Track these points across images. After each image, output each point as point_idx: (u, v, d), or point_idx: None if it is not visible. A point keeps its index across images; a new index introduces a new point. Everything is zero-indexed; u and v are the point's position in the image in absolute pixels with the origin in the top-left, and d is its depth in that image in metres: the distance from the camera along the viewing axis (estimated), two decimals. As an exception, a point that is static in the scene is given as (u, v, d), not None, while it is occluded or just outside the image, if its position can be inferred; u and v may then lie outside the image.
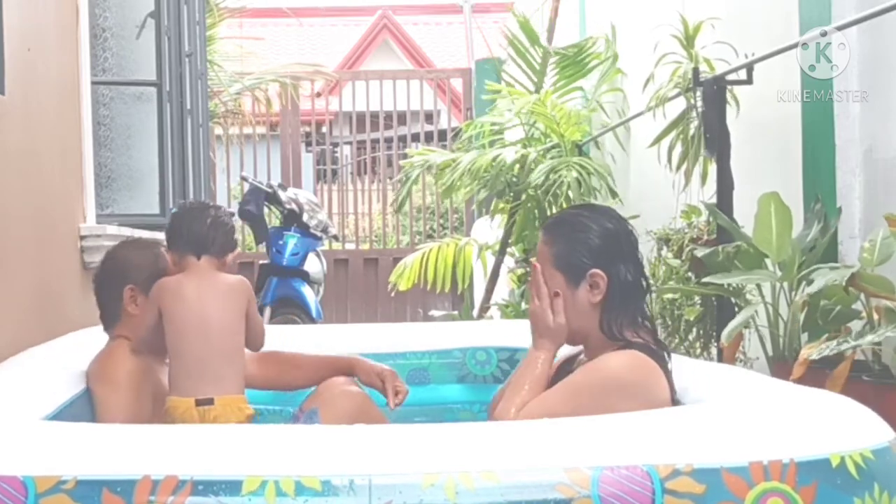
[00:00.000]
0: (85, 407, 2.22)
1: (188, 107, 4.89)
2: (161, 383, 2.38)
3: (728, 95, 3.57)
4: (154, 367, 2.41)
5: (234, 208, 6.63)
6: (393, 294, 7.46)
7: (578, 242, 2.00)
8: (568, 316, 2.03)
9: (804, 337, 2.86)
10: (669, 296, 3.65)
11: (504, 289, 6.39)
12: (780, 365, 2.85)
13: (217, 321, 2.31)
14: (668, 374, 1.94)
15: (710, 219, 3.49)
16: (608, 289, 1.99)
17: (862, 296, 2.68)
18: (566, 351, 2.16)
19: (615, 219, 2.05)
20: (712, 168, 3.58)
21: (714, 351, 3.52)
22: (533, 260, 2.28)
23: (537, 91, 5.67)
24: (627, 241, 2.03)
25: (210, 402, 2.27)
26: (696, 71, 3.65)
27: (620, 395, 1.84)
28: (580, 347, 2.12)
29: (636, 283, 2.01)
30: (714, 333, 3.51)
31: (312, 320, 5.99)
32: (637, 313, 2.02)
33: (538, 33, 5.80)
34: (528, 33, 5.74)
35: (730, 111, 3.57)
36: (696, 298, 3.59)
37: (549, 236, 2.06)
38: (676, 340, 3.67)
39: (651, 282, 2.13)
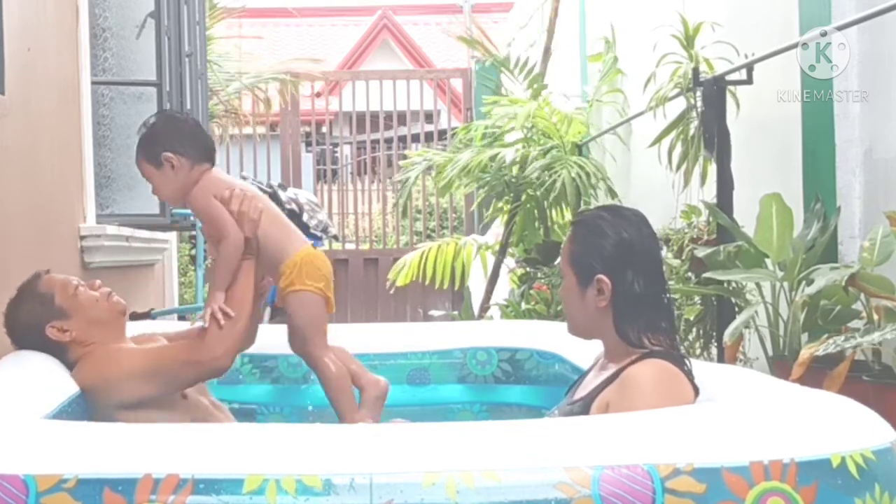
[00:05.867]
0: (85, 406, 2.22)
1: (188, 107, 4.88)
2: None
3: (728, 95, 3.57)
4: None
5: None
6: (392, 291, 7.46)
7: (591, 246, 2.02)
8: (577, 313, 2.06)
9: (804, 337, 2.86)
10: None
11: (504, 289, 6.39)
12: (780, 365, 2.85)
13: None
14: (690, 377, 1.95)
15: (710, 219, 3.50)
16: (613, 296, 1.99)
17: (862, 296, 2.68)
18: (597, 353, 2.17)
19: (635, 227, 2.03)
20: (712, 168, 3.58)
21: (714, 351, 3.52)
22: None
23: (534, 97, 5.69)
24: (642, 252, 2.02)
25: (319, 242, 2.43)
26: (696, 71, 3.65)
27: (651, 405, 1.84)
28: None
29: (646, 294, 1.99)
30: (714, 333, 3.51)
31: (312, 320, 5.97)
32: (654, 321, 2.00)
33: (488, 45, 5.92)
34: (479, 47, 5.86)
35: (730, 111, 3.57)
36: (696, 298, 3.59)
37: (572, 233, 2.09)
38: (676, 340, 3.67)
39: (669, 294, 2.09)
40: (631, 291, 1.99)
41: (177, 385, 2.35)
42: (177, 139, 2.41)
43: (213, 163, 2.47)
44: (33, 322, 2.34)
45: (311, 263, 2.50)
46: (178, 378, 2.33)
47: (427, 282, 6.91)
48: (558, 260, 5.36)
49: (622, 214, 2.07)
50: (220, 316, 2.32)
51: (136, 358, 2.33)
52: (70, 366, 2.33)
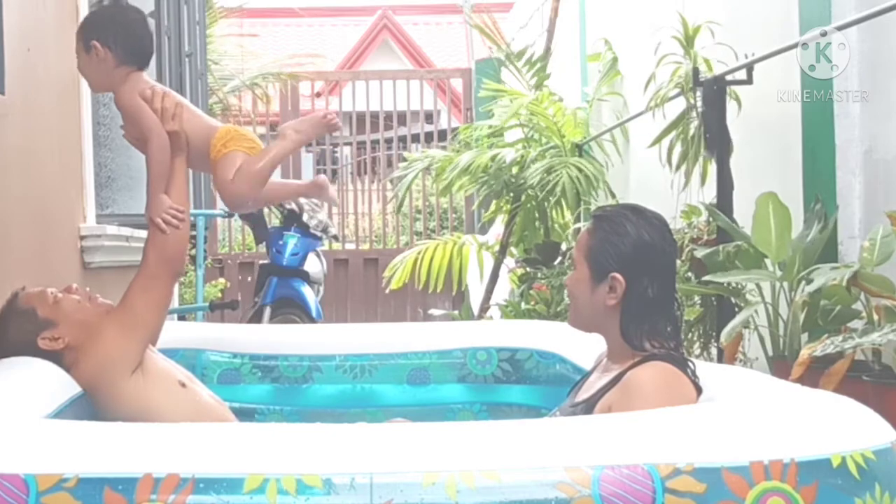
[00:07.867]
0: (85, 406, 2.22)
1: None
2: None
3: (728, 95, 3.57)
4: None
5: (234, 208, 6.62)
6: (388, 291, 7.42)
7: (611, 244, 2.00)
8: (584, 306, 2.06)
9: (804, 337, 2.86)
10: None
11: (504, 289, 6.39)
12: (780, 365, 2.85)
13: None
14: (693, 379, 1.94)
15: (710, 219, 3.50)
16: (624, 297, 1.98)
17: (862, 295, 2.68)
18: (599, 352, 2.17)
19: (658, 231, 2.02)
20: (712, 168, 3.58)
21: (714, 351, 3.52)
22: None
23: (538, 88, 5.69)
24: (661, 258, 2.00)
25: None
26: (696, 71, 3.65)
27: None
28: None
29: (658, 301, 1.98)
30: (714, 333, 3.51)
31: (312, 320, 5.98)
32: (659, 326, 1.99)
33: (497, 37, 5.88)
34: (488, 37, 5.82)
35: (730, 111, 3.57)
36: (696, 298, 3.59)
37: (592, 227, 2.07)
38: (680, 342, 3.67)
39: (680, 304, 2.08)
40: (644, 295, 1.98)
41: (157, 304, 2.37)
42: (111, 33, 2.42)
43: (142, 67, 2.48)
44: (24, 338, 2.30)
45: (237, 131, 2.54)
46: (151, 299, 2.35)
47: (421, 287, 6.82)
48: (558, 260, 5.40)
49: (645, 216, 2.05)
50: (170, 218, 2.36)
51: (108, 322, 2.33)
52: (68, 372, 2.32)
